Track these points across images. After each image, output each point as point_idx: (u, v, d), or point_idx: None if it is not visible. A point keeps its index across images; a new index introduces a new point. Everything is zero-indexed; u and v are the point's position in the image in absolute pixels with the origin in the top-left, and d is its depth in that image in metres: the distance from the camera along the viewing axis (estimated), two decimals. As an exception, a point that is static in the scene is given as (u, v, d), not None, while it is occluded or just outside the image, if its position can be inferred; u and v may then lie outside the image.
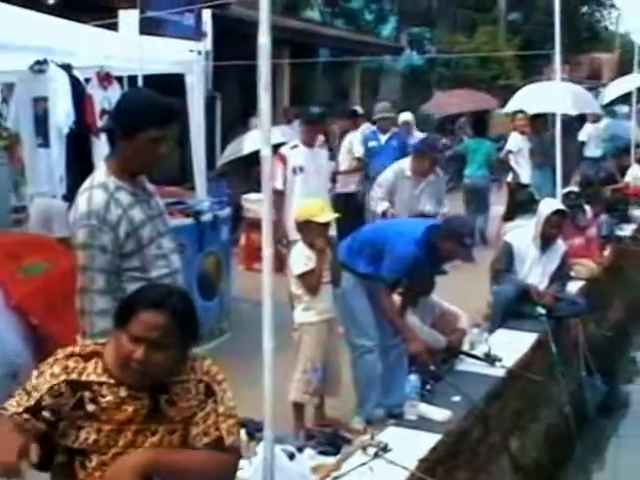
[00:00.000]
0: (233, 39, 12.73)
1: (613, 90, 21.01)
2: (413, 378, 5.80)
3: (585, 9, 35.71)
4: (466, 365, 6.83)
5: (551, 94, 10.74)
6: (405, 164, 8.79)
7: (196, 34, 8.93)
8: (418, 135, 12.63)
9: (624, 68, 31.61)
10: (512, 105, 13.82)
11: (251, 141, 12.10)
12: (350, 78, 22.83)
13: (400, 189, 8.69)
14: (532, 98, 12.96)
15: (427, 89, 26.66)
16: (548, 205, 8.47)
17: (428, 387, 6.13)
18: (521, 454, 6.87)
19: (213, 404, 3.21)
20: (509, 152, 13.54)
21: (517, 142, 13.51)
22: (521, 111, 13.85)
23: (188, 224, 7.70)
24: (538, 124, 13.22)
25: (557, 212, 8.27)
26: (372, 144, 11.39)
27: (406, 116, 13.03)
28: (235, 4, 14.55)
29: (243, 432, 5.18)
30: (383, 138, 11.37)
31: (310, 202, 6.09)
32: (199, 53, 8.87)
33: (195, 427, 3.18)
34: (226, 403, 3.24)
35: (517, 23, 33.13)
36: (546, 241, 8.23)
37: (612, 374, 9.26)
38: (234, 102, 15.68)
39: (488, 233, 13.38)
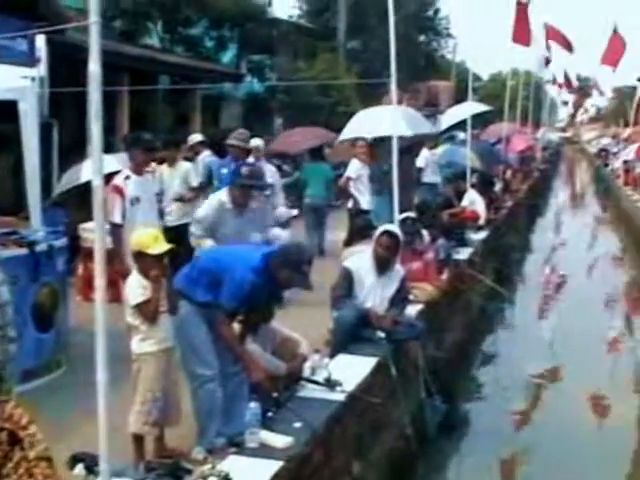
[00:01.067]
0: (70, 65, 12.47)
1: (449, 117, 21.66)
2: (254, 406, 5.78)
3: (423, 38, 36.71)
4: (307, 391, 6.84)
5: (384, 117, 10.95)
6: (224, 196, 8.51)
7: (29, 60, 8.73)
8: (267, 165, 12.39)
9: (460, 95, 32.72)
10: (347, 132, 14.03)
11: (88, 169, 11.81)
12: (191, 105, 22.75)
13: (223, 223, 8.39)
14: (366, 123, 13.17)
15: (268, 116, 26.85)
16: (382, 228, 8.64)
17: (269, 414, 6.11)
18: (363, 477, 6.94)
19: (21, 452, 3.03)
20: (349, 179, 13.79)
21: (356, 169, 13.79)
22: (362, 138, 14.11)
23: (22, 254, 7.49)
24: (377, 151, 13.49)
25: (386, 233, 8.43)
26: (224, 171, 10.98)
27: (256, 142, 12.53)
28: (72, 30, 14.28)
29: (81, 467, 5.07)
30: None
31: (144, 232, 6.00)
32: (33, 79, 8.66)
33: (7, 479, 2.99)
34: (36, 446, 3.06)
35: (356, 51, 33.77)
36: (383, 265, 8.36)
37: (452, 394, 9.47)
38: (72, 129, 15.34)
39: (326, 246, 14.53)
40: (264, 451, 5.60)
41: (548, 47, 31.23)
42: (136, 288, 5.63)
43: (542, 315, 15.55)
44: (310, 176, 15.73)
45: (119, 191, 8.14)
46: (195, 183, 11.16)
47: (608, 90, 54.33)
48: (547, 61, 35.22)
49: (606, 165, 45.59)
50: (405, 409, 7.96)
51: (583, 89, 43.49)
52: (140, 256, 5.68)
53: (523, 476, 8.79)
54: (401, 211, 10.72)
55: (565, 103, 67.30)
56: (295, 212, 10.90)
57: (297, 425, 6.01)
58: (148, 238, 5.76)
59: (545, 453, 8.68)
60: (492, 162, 22.28)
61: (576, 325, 13.89)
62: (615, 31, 30.94)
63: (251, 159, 11.61)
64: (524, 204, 27.09)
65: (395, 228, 8.94)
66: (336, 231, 14.52)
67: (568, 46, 29.47)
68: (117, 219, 7.98)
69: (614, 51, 30.56)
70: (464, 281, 12.82)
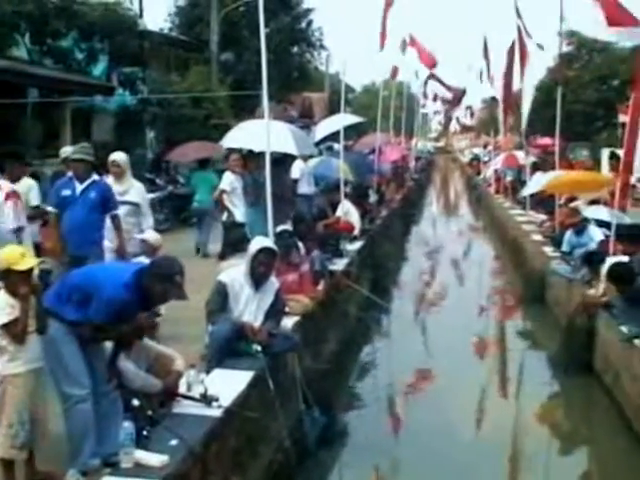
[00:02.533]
0: None
1: (323, 128, 21.76)
2: (127, 425, 5.67)
3: (296, 49, 36.82)
4: (183, 407, 6.75)
5: (270, 133, 10.84)
6: None
7: None
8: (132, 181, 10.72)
9: (334, 107, 32.98)
10: (227, 142, 13.86)
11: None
12: (61, 118, 22.24)
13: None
14: (250, 136, 13.01)
15: (140, 129, 26.52)
16: (257, 243, 8.59)
17: (144, 432, 6.01)
18: (242, 492, 6.90)
19: None
20: (222, 191, 13.73)
21: (230, 181, 13.74)
22: (238, 150, 14.06)
23: None
24: (251, 163, 13.45)
25: (263, 250, 8.42)
26: (66, 193, 9.22)
27: (115, 156, 10.58)
28: None
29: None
30: (79, 187, 9.19)
31: (10, 249, 5.83)
32: None
33: None
34: None
35: (229, 63, 33.66)
36: (258, 279, 8.35)
37: (330, 406, 9.49)
38: None
39: (209, 250, 15.69)
40: (139, 471, 5.51)
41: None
42: (3, 307, 5.47)
43: (418, 323, 15.74)
44: (198, 183, 17.68)
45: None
46: (35, 202, 10.20)
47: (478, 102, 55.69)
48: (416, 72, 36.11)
49: (478, 174, 46.64)
50: (283, 422, 7.93)
51: (455, 99, 44.44)
52: (7, 274, 5.53)
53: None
54: (277, 223, 10.70)
55: (437, 113, 68.61)
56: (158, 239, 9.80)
57: (173, 443, 5.93)
58: (14, 254, 5.61)
59: (421, 461, 8.80)
60: (365, 172, 22.54)
61: (451, 332, 14.17)
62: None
63: (110, 177, 10.37)
64: (399, 214, 27.50)
65: (271, 244, 8.91)
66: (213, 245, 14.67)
67: (431, 62, 29.97)
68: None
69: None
70: (340, 292, 12.89)
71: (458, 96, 44.75)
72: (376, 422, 10.13)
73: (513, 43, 24.37)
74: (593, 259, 12.55)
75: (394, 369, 12.38)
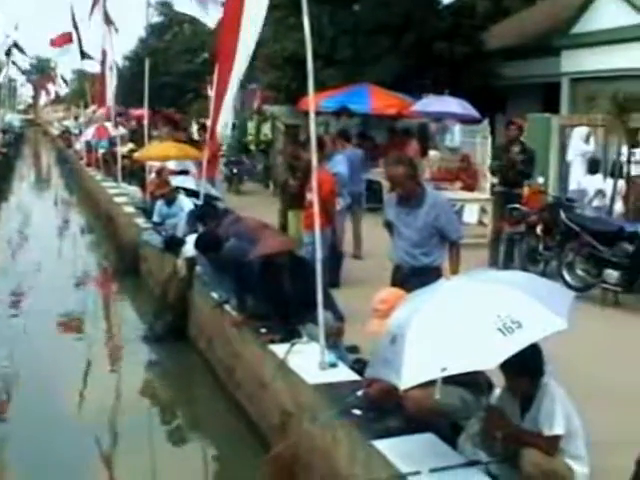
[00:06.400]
0: None
1: None
2: None
3: None
4: None
5: None
6: None
7: None
8: None
9: None
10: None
11: None
12: None
13: None
14: None
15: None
16: None
17: None
18: None
19: None
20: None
21: None
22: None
23: None
24: None
25: None
26: None
27: None
28: None
29: None
30: None
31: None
32: None
33: None
34: None
35: None
36: None
37: None
38: None
39: None
40: None
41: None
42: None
43: (13, 305, 14.92)
44: None
45: None
46: None
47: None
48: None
49: (69, 146, 45.70)
50: None
51: (45, 71, 42.98)
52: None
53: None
54: None
55: (27, 84, 66.16)
56: None
57: None
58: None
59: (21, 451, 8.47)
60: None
61: (43, 311, 13.71)
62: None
63: None
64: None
65: None
66: None
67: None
68: None
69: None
70: None
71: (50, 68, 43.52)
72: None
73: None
74: (173, 243, 12.88)
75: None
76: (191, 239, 11.36)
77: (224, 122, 12.97)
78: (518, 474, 5.24)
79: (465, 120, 19.64)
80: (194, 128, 30.59)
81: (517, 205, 13.19)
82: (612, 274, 11.21)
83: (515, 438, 5.30)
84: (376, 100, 21.11)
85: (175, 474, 8.10)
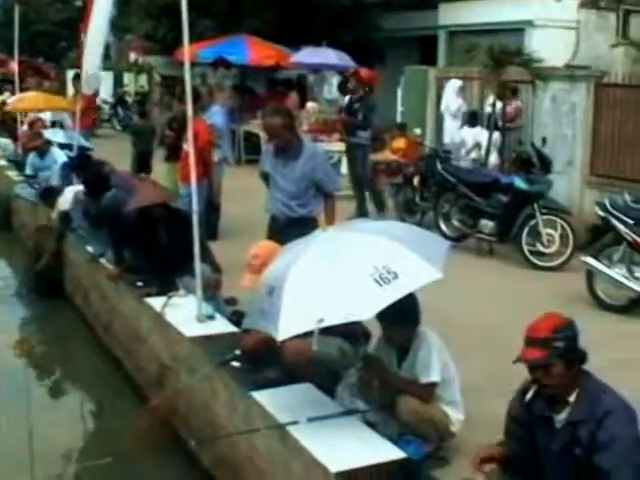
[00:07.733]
0: None
1: None
2: None
3: None
4: None
5: None
6: None
7: None
8: None
9: None
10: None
11: None
12: None
13: None
14: None
15: None
16: None
17: None
18: None
19: None
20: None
21: None
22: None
23: None
24: None
25: None
26: None
27: None
28: None
29: None
30: None
31: None
32: None
33: None
34: None
35: None
36: None
37: None
38: None
39: None
40: None
41: None
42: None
43: None
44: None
45: None
46: None
47: None
48: None
49: None
50: None
51: None
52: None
53: None
54: None
55: None
56: None
57: None
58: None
59: None
60: None
61: None
62: None
63: None
64: None
65: None
66: None
67: None
68: None
69: None
70: None
71: None
72: None
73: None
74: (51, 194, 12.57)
75: None
76: (68, 190, 11.10)
77: (91, 71, 12.52)
78: (395, 421, 5.31)
79: (343, 72, 19.67)
80: (69, 77, 29.83)
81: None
82: (487, 224, 11.45)
83: (392, 386, 5.37)
84: (254, 51, 20.96)
85: (53, 429, 7.95)
